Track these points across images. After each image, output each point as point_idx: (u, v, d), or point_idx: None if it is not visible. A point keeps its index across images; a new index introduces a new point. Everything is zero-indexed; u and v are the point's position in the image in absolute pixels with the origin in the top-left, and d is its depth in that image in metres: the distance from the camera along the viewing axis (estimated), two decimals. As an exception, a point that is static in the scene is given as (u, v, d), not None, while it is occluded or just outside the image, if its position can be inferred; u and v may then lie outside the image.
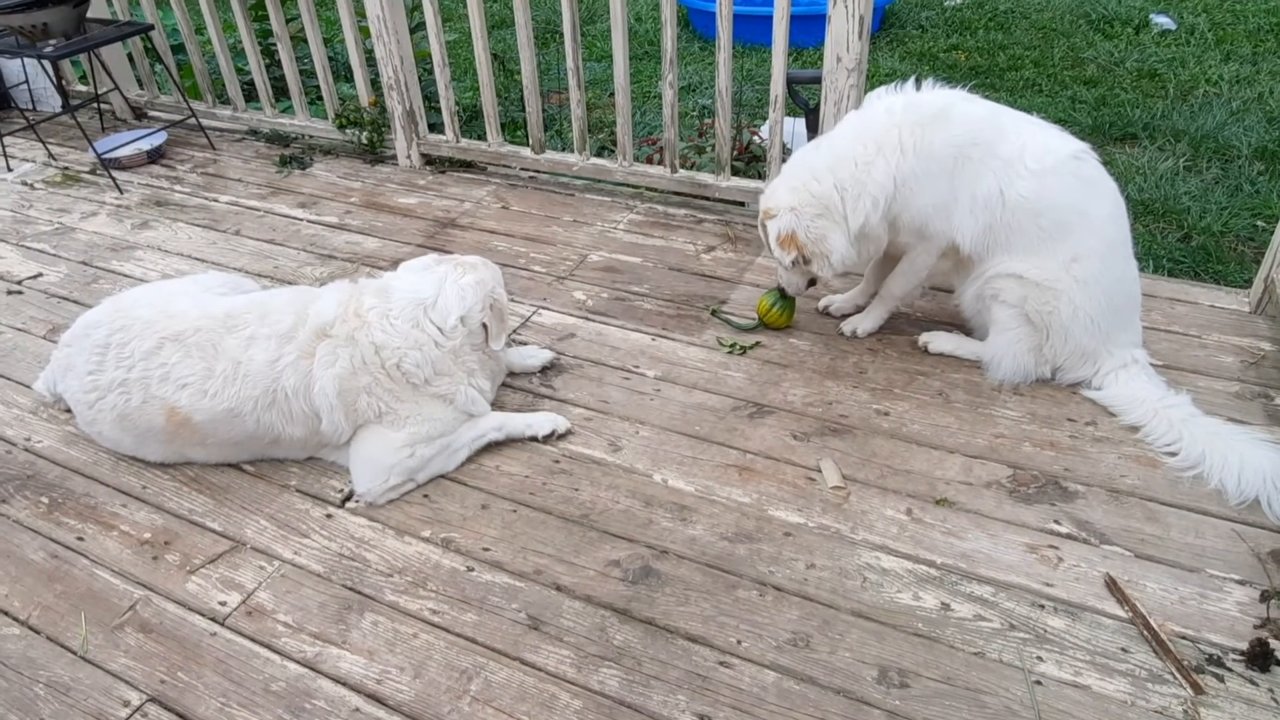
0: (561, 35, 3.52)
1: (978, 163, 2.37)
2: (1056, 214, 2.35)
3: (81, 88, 4.88)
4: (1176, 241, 3.76)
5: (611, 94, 4.07)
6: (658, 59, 5.96)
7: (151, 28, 4.21)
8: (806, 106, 3.40)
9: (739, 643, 1.85)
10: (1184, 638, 1.80)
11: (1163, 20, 6.28)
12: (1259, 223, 3.86)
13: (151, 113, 4.79)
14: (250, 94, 4.59)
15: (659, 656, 1.83)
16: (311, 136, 4.44)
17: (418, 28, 4.32)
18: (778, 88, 3.22)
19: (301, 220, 3.73)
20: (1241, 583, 1.92)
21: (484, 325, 2.37)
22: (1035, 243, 2.38)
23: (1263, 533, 2.04)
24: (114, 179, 4.06)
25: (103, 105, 4.67)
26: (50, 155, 4.41)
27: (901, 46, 6.32)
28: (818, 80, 3.12)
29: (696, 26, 6.66)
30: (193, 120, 4.45)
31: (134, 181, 4.13)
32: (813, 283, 2.71)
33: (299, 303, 2.34)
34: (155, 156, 4.33)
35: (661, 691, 1.76)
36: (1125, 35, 6.22)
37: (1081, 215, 2.36)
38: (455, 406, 2.34)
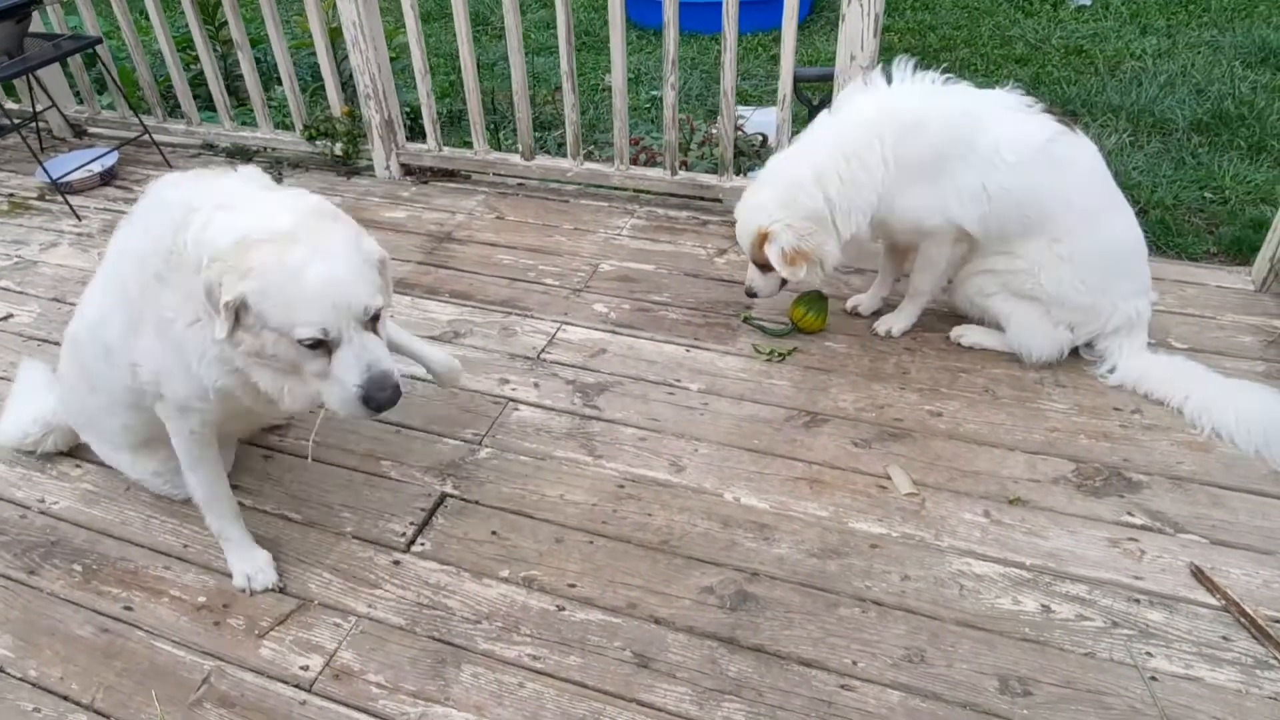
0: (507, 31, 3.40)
1: (957, 160, 2.42)
2: (1038, 203, 2.42)
3: (12, 105, 4.52)
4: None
5: (557, 87, 4.04)
6: (596, 49, 5.89)
7: (99, 41, 3.93)
8: (810, 104, 3.39)
9: (854, 663, 1.84)
10: (1278, 621, 1.87)
11: (1077, -4, 6.44)
12: (1206, 194, 3.98)
13: (93, 129, 4.48)
14: (205, 105, 4.32)
15: (778, 685, 1.81)
16: (276, 149, 4.22)
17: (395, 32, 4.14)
18: (785, 86, 3.21)
19: (287, 241, 3.53)
20: (1314, 562, 1.99)
21: None
22: (1024, 229, 2.45)
23: (1320, 510, 2.12)
24: (70, 205, 3.78)
25: (40, 124, 4.34)
26: (-11, 181, 4.08)
27: (834, 30, 6.35)
28: (827, 78, 3.12)
29: (631, 15, 6.55)
30: (145, 136, 4.17)
31: (90, 206, 3.85)
32: (783, 283, 2.69)
33: None
34: (108, 178, 4.05)
35: (789, 721, 1.74)
36: (1044, 12, 6.36)
37: (1062, 202, 2.42)
38: None
